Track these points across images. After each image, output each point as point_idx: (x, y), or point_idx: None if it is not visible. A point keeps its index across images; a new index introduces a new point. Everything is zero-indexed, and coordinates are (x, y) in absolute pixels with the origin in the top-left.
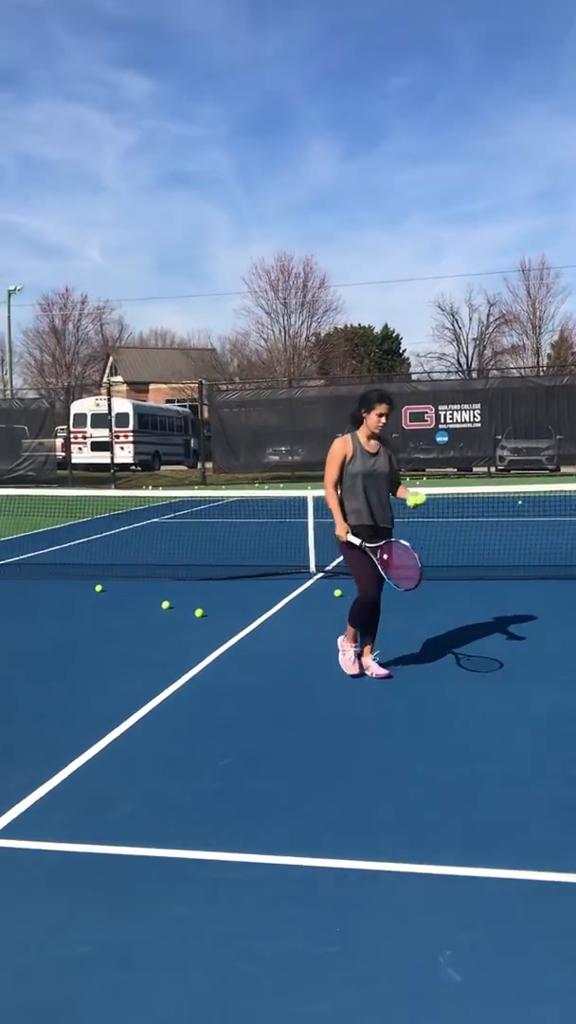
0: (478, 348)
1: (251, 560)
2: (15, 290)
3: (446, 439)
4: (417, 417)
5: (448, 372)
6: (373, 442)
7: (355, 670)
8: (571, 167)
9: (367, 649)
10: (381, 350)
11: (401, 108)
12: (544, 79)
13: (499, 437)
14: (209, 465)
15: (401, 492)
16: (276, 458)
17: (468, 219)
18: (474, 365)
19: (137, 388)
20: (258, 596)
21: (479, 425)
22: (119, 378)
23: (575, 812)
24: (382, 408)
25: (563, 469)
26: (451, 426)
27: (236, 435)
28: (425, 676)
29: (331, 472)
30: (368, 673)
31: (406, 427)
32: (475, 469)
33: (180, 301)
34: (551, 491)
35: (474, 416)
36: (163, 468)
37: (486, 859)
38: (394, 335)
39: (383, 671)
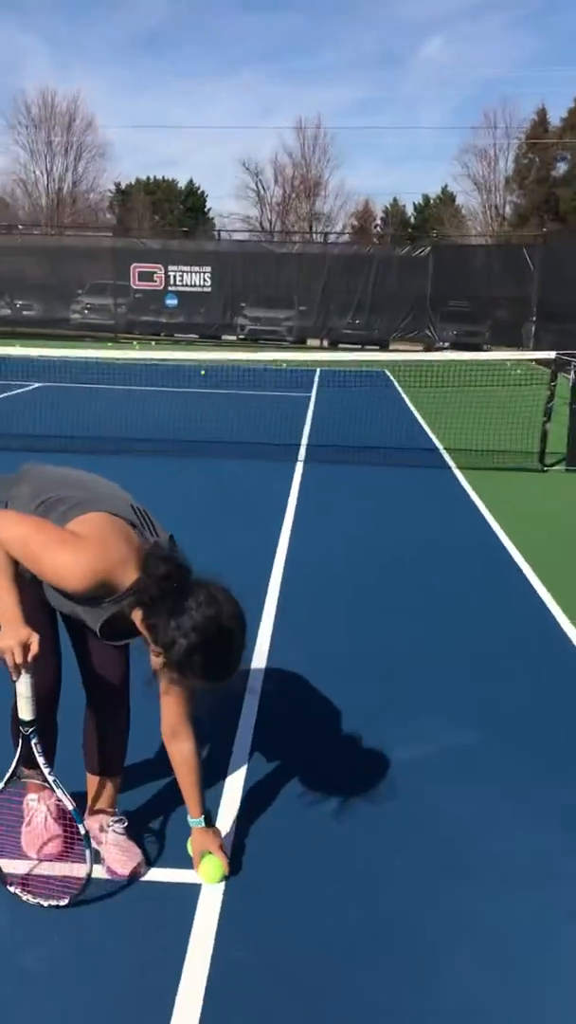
0: (281, 212)
1: None
2: None
3: (175, 303)
4: (146, 277)
5: (250, 233)
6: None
7: (54, 848)
8: (408, 31)
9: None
10: (184, 207)
11: None
12: None
13: (243, 304)
14: None
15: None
16: (8, 312)
17: (299, 75)
18: (278, 229)
19: None
20: None
21: (209, 290)
22: None
23: None
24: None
25: (309, 342)
26: (180, 289)
27: None
28: None
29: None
30: (106, 853)
31: (134, 286)
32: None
33: None
34: (234, 360)
35: (204, 280)
36: None
37: None
38: (199, 191)
39: (130, 863)
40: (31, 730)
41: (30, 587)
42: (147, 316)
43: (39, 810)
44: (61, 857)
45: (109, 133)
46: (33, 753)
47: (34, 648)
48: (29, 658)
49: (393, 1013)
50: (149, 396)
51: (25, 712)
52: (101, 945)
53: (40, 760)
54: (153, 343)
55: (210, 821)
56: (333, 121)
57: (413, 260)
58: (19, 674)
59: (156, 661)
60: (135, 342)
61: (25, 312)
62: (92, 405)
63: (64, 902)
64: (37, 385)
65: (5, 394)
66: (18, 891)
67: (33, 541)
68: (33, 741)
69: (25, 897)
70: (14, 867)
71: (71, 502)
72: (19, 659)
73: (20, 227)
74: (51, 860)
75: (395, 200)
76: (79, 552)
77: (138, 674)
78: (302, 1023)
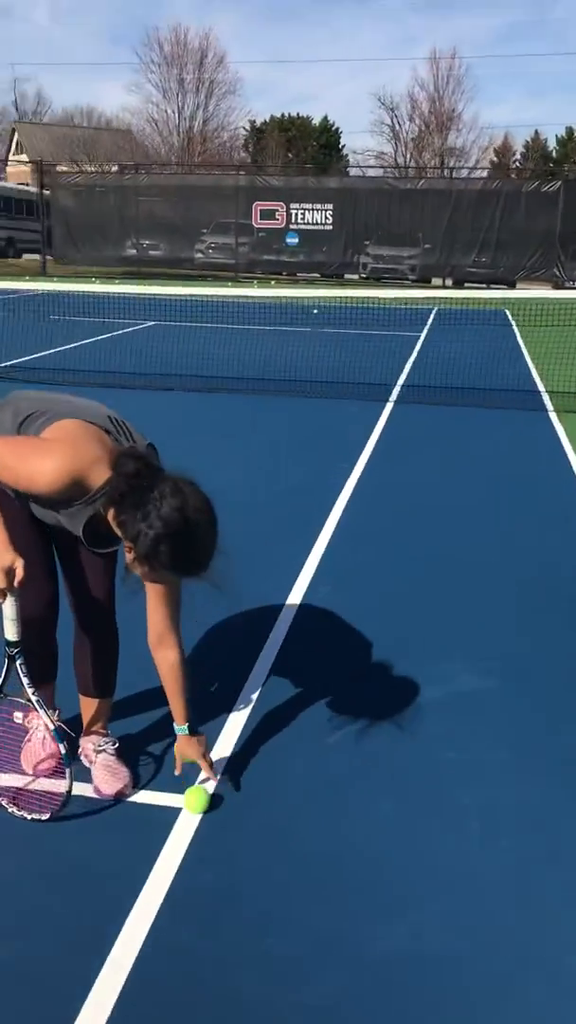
0: (415, 147)
1: None
2: None
3: (296, 241)
4: (268, 215)
5: (384, 170)
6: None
7: (49, 766)
8: None
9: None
10: (318, 144)
11: None
12: None
13: (367, 242)
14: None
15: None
16: (134, 252)
17: (443, 5)
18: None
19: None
20: None
21: (330, 227)
22: (25, 156)
23: None
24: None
25: (433, 281)
26: (301, 227)
27: (87, 223)
28: None
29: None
30: (95, 773)
31: (256, 225)
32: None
33: (114, 75)
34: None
35: (325, 217)
36: (25, 257)
37: None
38: (333, 128)
39: (116, 783)
40: (16, 651)
41: (20, 512)
42: (268, 255)
43: (39, 728)
44: (54, 775)
45: (242, 70)
46: (19, 673)
47: (19, 574)
48: (15, 583)
49: (337, 944)
50: (258, 335)
51: (10, 633)
52: (69, 858)
53: (24, 681)
54: (272, 282)
55: (194, 729)
56: (473, 51)
57: (543, 195)
58: (5, 598)
59: (128, 557)
60: (255, 281)
61: (152, 252)
62: (201, 343)
63: (46, 816)
64: (151, 323)
65: (120, 331)
66: (3, 803)
67: (6, 456)
68: (18, 662)
69: (11, 810)
70: (2, 780)
71: (49, 415)
72: (3, 584)
73: (155, 167)
74: (45, 776)
75: (536, 133)
76: (49, 454)
77: (124, 596)
78: (245, 945)
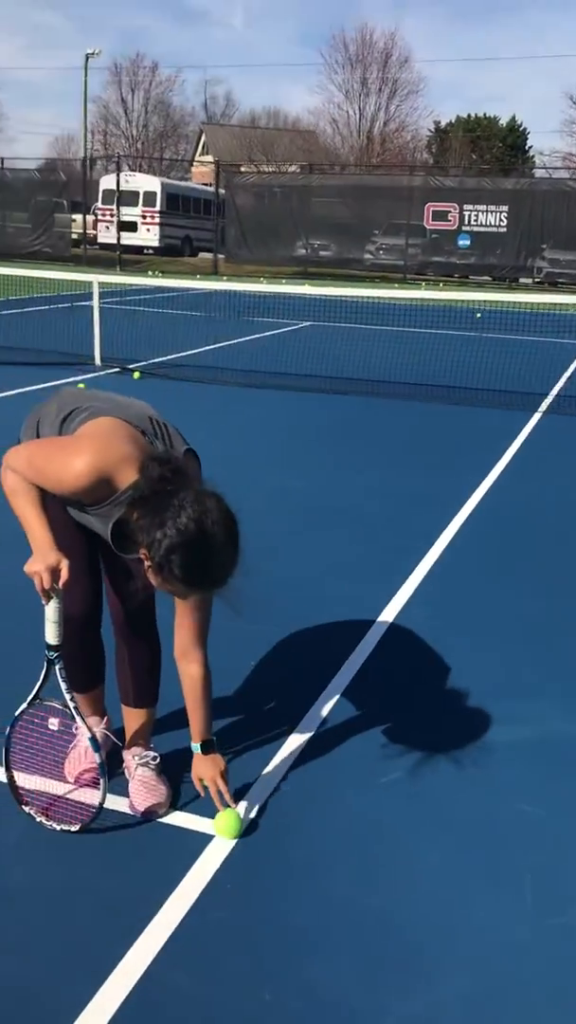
0: None
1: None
2: (93, 54)
3: (468, 243)
4: (440, 216)
5: (571, 172)
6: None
7: (90, 776)
8: None
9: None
10: (505, 144)
11: None
12: None
13: (544, 246)
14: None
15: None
16: (304, 252)
17: None
18: None
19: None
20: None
21: (504, 230)
22: (209, 157)
23: None
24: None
25: None
26: (474, 229)
27: (260, 223)
28: None
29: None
30: (131, 787)
31: (428, 226)
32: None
33: (299, 77)
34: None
35: (500, 219)
36: (200, 256)
37: None
38: (521, 129)
39: (150, 800)
40: (55, 655)
41: (62, 511)
42: (439, 257)
43: (84, 735)
44: (91, 785)
45: (429, 71)
46: (59, 678)
47: (64, 574)
48: (60, 583)
49: (335, 1008)
50: (416, 338)
51: (51, 637)
52: (84, 876)
53: (62, 686)
54: (440, 284)
55: (209, 748)
56: None
57: None
58: (48, 599)
59: (145, 564)
60: (423, 283)
61: (322, 252)
62: (353, 344)
63: (76, 828)
64: (307, 323)
65: (276, 331)
66: (33, 812)
67: (37, 457)
68: (57, 667)
69: (39, 819)
70: (35, 789)
71: (89, 412)
72: (47, 584)
73: (333, 168)
74: (82, 786)
75: None
76: (78, 451)
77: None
78: (244, 998)
